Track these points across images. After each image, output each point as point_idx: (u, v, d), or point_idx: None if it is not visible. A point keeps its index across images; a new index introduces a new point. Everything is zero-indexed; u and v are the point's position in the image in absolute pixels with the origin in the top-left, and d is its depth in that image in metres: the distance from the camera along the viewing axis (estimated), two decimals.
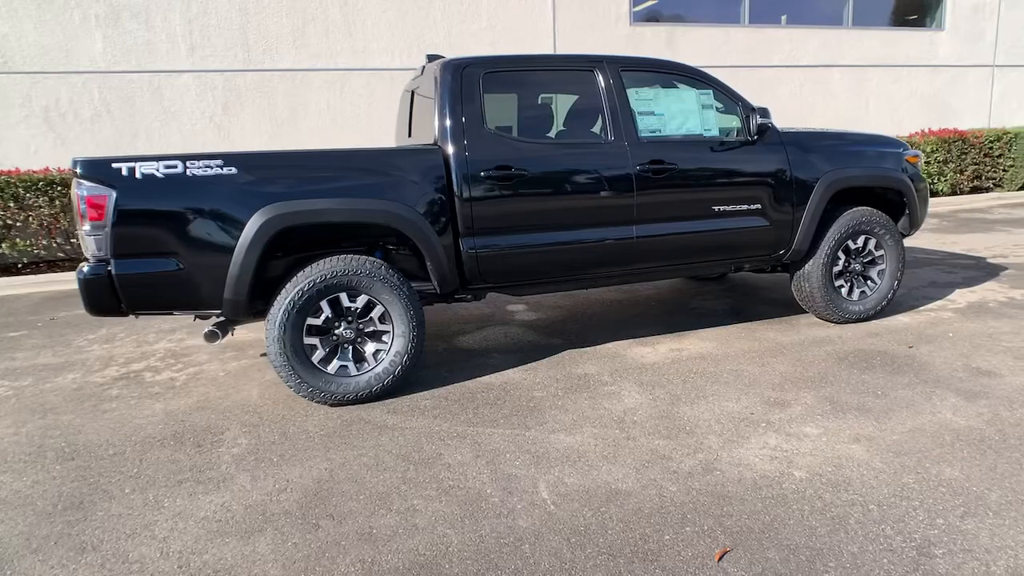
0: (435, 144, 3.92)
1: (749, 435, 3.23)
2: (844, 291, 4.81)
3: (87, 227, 3.33)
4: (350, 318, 3.75)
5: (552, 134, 4.21)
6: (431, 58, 4.52)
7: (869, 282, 4.89)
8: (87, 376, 4.52)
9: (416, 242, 3.77)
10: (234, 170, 3.49)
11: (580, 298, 6.00)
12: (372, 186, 3.72)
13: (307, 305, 3.63)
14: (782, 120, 5.37)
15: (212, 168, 3.46)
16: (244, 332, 5.31)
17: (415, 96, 4.74)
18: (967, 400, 3.52)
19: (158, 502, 2.84)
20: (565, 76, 4.22)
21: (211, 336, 3.64)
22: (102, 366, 4.72)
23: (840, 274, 4.81)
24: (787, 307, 5.39)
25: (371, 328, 3.81)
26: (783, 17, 11.63)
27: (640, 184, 4.14)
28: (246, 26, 9.29)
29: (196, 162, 3.45)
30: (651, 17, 10.91)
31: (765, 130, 4.31)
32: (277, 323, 3.59)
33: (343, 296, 3.70)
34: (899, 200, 4.88)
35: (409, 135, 4.83)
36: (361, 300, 3.73)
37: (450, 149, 3.84)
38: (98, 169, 3.37)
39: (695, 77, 4.43)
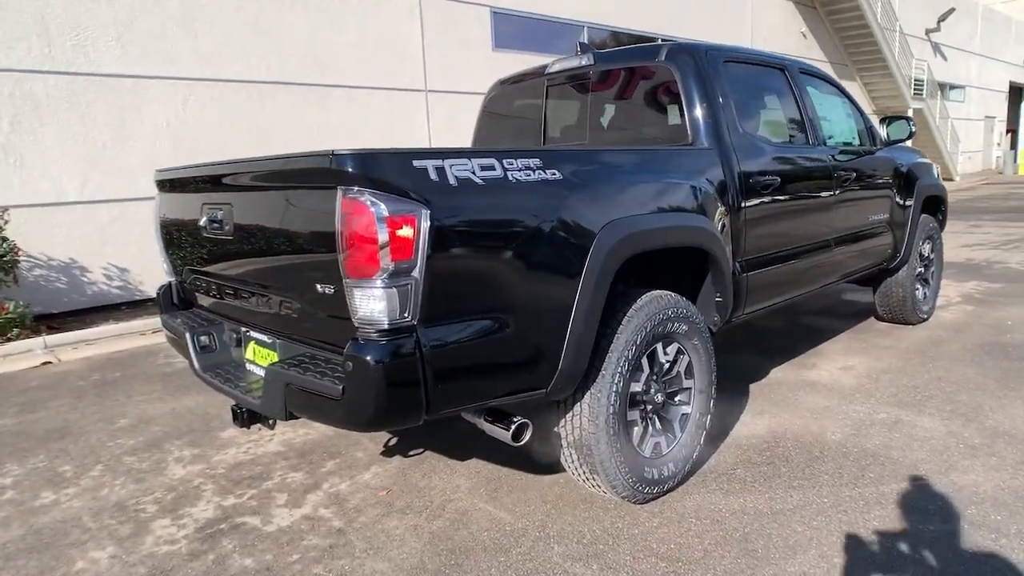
0: (692, 145, 3.12)
1: None
2: (918, 294, 5.10)
3: (384, 274, 1.85)
4: (656, 376, 2.74)
5: (773, 136, 3.67)
6: (584, 47, 3.66)
7: (926, 284, 5.26)
8: (132, 549, 2.59)
9: (718, 268, 2.92)
10: (557, 174, 2.30)
11: None
12: (688, 198, 2.80)
13: (636, 364, 2.55)
14: None
15: (534, 171, 2.23)
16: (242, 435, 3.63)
17: (551, 92, 3.78)
18: None
19: None
20: (770, 75, 3.72)
21: (522, 431, 2.30)
22: (131, 527, 2.76)
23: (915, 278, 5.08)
24: (826, 315, 5.56)
25: (675, 387, 2.84)
26: None
27: (837, 190, 3.86)
28: (45, 10, 6.67)
29: (514, 162, 2.19)
30: (507, 46, 10.71)
31: (910, 137, 4.36)
32: (609, 396, 2.45)
33: (659, 348, 2.69)
34: (938, 206, 5.36)
35: (544, 141, 3.83)
36: (672, 351, 2.76)
37: (716, 152, 3.09)
38: (396, 170, 1.91)
39: (836, 86, 4.31)
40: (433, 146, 9.69)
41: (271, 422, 2.61)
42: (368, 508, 2.81)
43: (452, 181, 2.00)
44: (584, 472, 2.57)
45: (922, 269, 5.17)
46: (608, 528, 2.56)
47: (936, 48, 22.14)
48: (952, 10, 21.36)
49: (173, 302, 3.10)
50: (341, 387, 1.93)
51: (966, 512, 2.55)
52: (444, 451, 3.31)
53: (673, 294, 2.73)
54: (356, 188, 1.85)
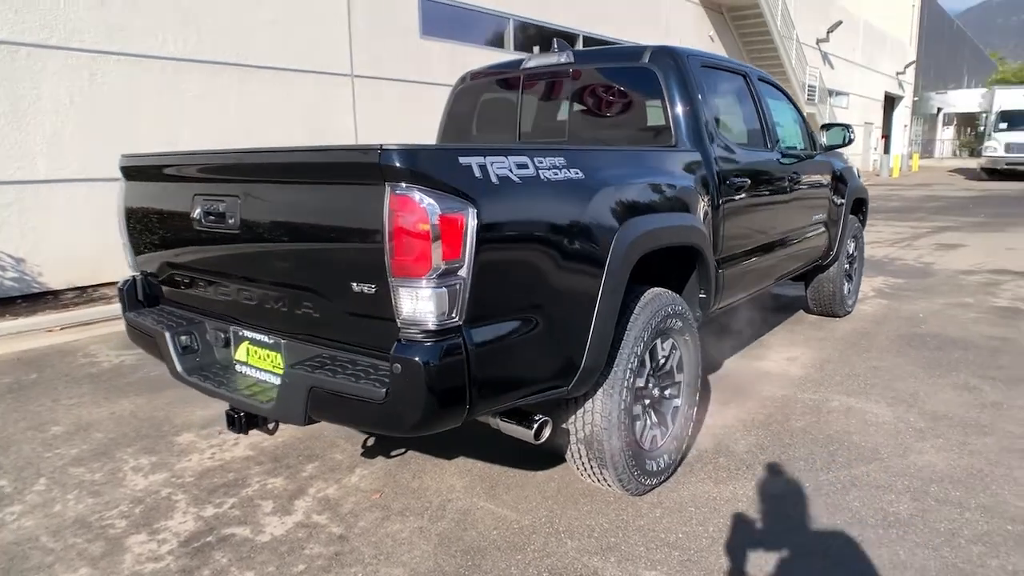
0: (675, 146, 3.21)
1: None
2: (844, 289, 5.50)
3: (434, 273, 1.80)
4: (654, 371, 2.82)
5: (741, 139, 3.81)
6: (562, 45, 3.67)
7: (850, 279, 5.68)
8: (110, 569, 2.38)
9: (705, 265, 3.04)
10: (580, 174, 2.31)
11: None
12: (686, 198, 2.89)
13: (641, 360, 2.61)
14: None
15: (560, 170, 2.23)
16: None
17: (528, 87, 3.77)
18: None
19: None
20: (735, 80, 3.87)
21: (543, 428, 2.31)
22: (103, 546, 2.54)
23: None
24: (758, 309, 5.90)
25: (668, 381, 2.93)
26: (535, 49, 12.48)
27: (790, 191, 4.10)
28: None
29: (543, 160, 2.18)
30: (434, 33, 10.54)
31: (847, 144, 4.67)
32: (621, 392, 2.49)
33: (658, 344, 2.77)
34: (860, 207, 5.78)
35: (518, 138, 3.81)
36: (667, 346, 2.84)
37: (699, 153, 3.20)
38: (444, 167, 1.86)
39: (785, 93, 4.55)
40: (360, 135, 9.44)
41: (272, 426, 2.46)
42: (364, 512, 2.72)
43: (494, 179, 1.97)
44: (592, 467, 2.61)
45: (848, 265, 5.58)
46: (615, 520, 2.61)
47: (825, 57, 23.83)
48: (840, 22, 23.06)
49: (138, 299, 2.86)
50: (384, 390, 1.86)
51: (930, 490, 2.79)
52: (426, 450, 3.25)
53: (670, 291, 2.81)
54: (405, 185, 1.78)
